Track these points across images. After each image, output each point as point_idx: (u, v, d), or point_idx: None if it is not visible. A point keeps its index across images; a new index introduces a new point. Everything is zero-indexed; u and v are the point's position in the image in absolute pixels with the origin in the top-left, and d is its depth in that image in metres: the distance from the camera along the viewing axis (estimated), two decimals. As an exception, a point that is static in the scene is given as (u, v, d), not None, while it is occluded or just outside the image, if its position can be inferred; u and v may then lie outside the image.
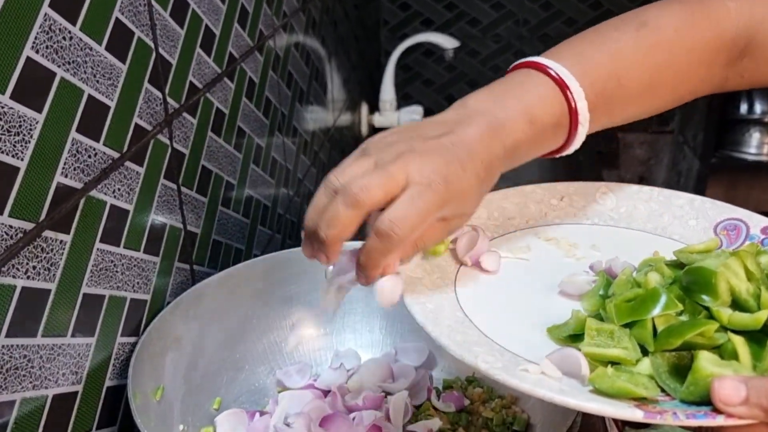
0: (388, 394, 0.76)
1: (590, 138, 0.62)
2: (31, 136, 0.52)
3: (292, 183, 1.18)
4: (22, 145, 0.51)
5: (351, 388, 0.76)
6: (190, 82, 0.78)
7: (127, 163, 0.65)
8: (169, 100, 0.73)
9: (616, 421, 0.89)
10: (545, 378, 0.49)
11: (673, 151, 2.10)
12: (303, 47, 1.23)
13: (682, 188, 1.92)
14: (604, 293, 0.58)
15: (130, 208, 0.66)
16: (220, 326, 0.78)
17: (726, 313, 0.50)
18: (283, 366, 0.81)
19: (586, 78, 0.59)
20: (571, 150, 0.62)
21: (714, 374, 0.46)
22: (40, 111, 0.53)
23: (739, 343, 0.49)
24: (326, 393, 0.77)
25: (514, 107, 0.56)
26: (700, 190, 1.86)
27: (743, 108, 1.86)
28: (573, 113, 0.58)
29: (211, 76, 0.84)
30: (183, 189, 0.77)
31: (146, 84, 0.68)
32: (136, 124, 0.67)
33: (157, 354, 0.69)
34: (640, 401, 0.47)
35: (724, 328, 0.50)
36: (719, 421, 0.45)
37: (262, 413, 0.74)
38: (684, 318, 0.52)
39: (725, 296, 0.52)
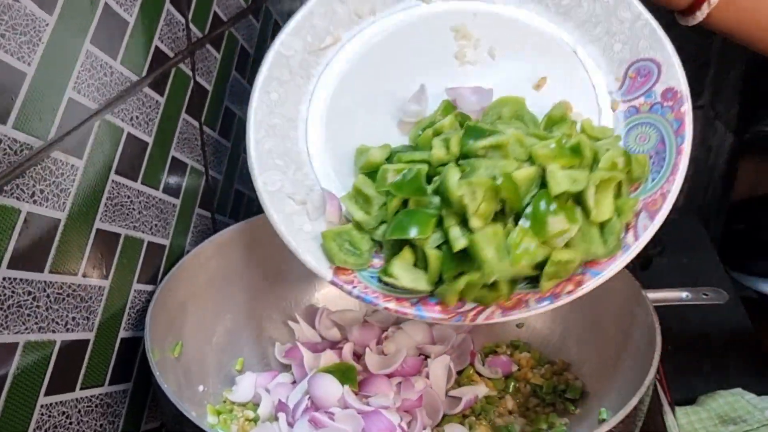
0: (427, 357, 0.69)
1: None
2: (40, 39, 0.45)
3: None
4: (29, 48, 0.44)
5: (387, 351, 0.69)
6: (215, 12, 0.71)
7: (146, 90, 0.58)
8: (192, 27, 0.66)
9: (668, 399, 0.83)
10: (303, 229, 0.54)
11: (703, 126, 2.02)
12: None
13: (711, 165, 1.84)
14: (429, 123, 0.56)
15: (149, 140, 0.59)
16: (242, 280, 0.71)
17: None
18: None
19: None
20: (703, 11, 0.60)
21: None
22: (50, 12, 0.46)
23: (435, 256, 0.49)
24: (358, 356, 0.70)
25: None
26: (731, 165, 1.79)
27: (779, 82, 1.78)
28: None
29: (236, 10, 0.76)
30: (205, 129, 0.70)
31: (168, 4, 0.61)
32: (157, 48, 0.60)
33: (176, 306, 0.63)
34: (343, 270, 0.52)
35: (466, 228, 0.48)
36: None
37: (294, 383, 0.67)
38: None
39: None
